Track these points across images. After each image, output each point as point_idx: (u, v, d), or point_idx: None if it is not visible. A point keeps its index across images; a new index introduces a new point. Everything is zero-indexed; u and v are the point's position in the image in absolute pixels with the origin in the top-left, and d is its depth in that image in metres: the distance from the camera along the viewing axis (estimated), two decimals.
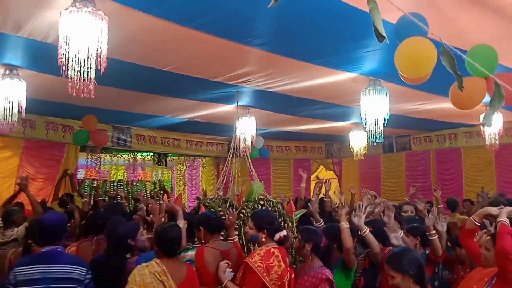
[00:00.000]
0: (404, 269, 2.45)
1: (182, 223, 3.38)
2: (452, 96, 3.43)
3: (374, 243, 3.47)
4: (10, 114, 4.45)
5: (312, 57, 4.29)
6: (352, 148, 7.75)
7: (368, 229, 3.50)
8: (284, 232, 3.25)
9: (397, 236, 3.49)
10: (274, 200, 4.83)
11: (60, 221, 3.03)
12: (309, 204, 5.05)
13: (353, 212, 3.70)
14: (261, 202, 4.65)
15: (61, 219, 3.10)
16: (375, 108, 4.64)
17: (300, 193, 5.76)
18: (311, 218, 4.79)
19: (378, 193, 7.40)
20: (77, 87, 2.79)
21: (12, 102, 4.44)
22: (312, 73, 4.73)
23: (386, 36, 1.46)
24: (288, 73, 4.79)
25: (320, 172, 10.97)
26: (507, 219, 2.75)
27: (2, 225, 4.43)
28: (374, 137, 4.77)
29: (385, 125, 4.70)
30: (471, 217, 3.07)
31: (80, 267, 2.90)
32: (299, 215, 5.00)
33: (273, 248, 3.08)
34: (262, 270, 2.92)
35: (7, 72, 4.43)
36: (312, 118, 7.32)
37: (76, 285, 2.83)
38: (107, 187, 9.07)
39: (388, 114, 4.67)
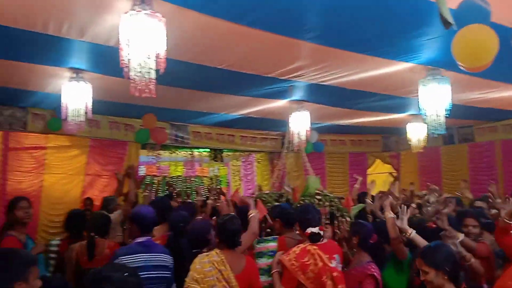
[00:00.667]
0: (439, 265, 2.31)
1: (254, 213, 3.54)
2: None
3: (422, 244, 3.26)
4: (78, 115, 4.76)
5: (367, 48, 4.19)
6: (410, 141, 7.49)
7: (414, 231, 3.31)
8: (315, 229, 3.12)
9: (455, 243, 3.31)
10: (331, 195, 4.79)
11: (154, 214, 3.36)
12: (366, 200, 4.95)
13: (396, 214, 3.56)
14: (318, 197, 4.64)
15: (153, 212, 3.41)
16: (435, 98, 4.45)
17: (353, 193, 5.65)
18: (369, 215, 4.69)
19: (439, 188, 7.13)
20: (139, 87, 2.93)
21: (80, 105, 4.74)
22: (367, 65, 4.62)
23: (453, 22, 1.40)
24: (342, 66, 4.71)
25: (377, 166, 10.70)
26: None
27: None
28: (435, 128, 4.58)
29: (446, 116, 4.51)
30: (501, 216, 2.89)
31: (169, 256, 3.21)
32: (357, 210, 4.94)
33: (310, 245, 3.02)
34: (297, 269, 2.89)
35: (74, 75, 4.71)
36: (368, 111, 7.15)
37: (169, 272, 3.11)
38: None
39: (450, 104, 4.47)
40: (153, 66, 2.88)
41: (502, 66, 3.37)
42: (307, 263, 2.91)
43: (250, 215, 3.54)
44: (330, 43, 4.05)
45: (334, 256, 3.08)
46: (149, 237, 3.20)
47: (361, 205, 4.88)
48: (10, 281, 1.84)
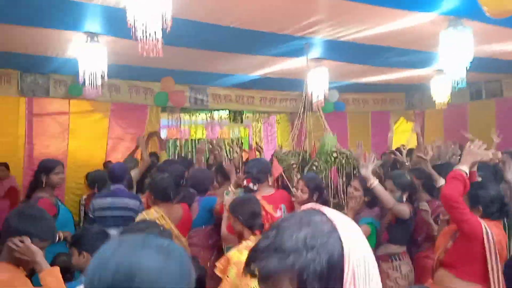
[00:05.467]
0: (234, 213, 2.72)
1: (232, 186, 3.78)
2: None
3: (384, 197, 3.31)
4: (95, 79, 4.81)
5: (385, 0, 4.02)
6: (434, 97, 7.27)
7: (377, 181, 3.36)
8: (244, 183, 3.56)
9: None
10: (348, 153, 4.77)
11: (124, 168, 4.37)
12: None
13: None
14: (334, 155, 4.63)
15: (123, 167, 4.42)
16: (456, 50, 4.26)
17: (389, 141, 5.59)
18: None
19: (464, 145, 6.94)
20: (147, 47, 2.93)
21: (96, 68, 4.77)
22: (385, 18, 4.44)
23: None
24: (360, 20, 4.54)
25: (400, 125, 10.50)
26: (466, 167, 2.60)
27: None
28: (456, 82, 4.43)
29: (467, 68, 4.33)
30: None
31: (135, 201, 4.03)
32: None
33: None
34: None
35: (88, 39, 4.73)
36: (389, 67, 6.94)
37: (133, 213, 3.81)
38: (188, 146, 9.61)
39: (472, 56, 4.28)
40: (159, 25, 2.86)
41: None
42: None
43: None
44: None
45: (280, 206, 3.27)
46: (119, 186, 4.09)
47: (378, 162, 4.83)
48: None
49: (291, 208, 3.47)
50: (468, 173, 2.59)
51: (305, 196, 3.40)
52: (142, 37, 2.88)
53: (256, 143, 8.09)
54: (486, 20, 3.42)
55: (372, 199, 3.50)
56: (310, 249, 0.76)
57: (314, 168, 4.47)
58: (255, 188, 3.38)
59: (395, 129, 10.23)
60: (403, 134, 10.26)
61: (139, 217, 3.27)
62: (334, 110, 8.32)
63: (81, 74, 4.82)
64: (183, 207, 3.50)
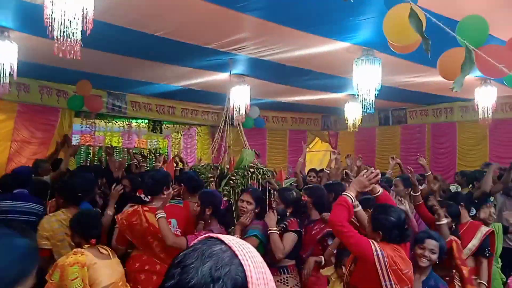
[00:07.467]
0: (74, 229, 2.82)
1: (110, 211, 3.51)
2: (440, 66, 3.43)
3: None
4: (2, 76, 4.44)
5: (306, 25, 4.24)
6: (347, 120, 7.76)
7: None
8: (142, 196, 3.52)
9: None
10: (265, 168, 4.89)
11: (27, 172, 4.36)
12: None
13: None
14: (251, 170, 4.72)
15: (28, 171, 4.44)
16: (366, 78, 4.62)
17: (297, 167, 5.71)
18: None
19: (372, 166, 7.47)
20: (63, 48, 2.78)
21: (4, 64, 4.42)
22: (306, 42, 4.69)
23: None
24: (282, 41, 4.74)
25: (315, 144, 11.01)
26: (352, 193, 2.65)
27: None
28: (366, 107, 4.77)
29: (376, 96, 4.70)
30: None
31: (38, 205, 3.95)
32: (289, 183, 5.09)
33: (142, 207, 3.18)
34: (125, 227, 3.14)
35: None
36: (308, 89, 7.29)
37: (35, 217, 3.74)
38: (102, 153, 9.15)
39: (380, 84, 4.65)
40: (79, 26, 2.74)
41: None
42: (135, 222, 3.10)
43: None
44: (271, 18, 4.06)
45: (169, 220, 3.15)
46: (23, 190, 4.00)
47: (292, 178, 5.02)
48: None
49: (183, 223, 3.37)
50: (354, 199, 2.66)
51: (251, 207, 3.41)
52: (59, 37, 2.73)
53: (179, 156, 7.92)
54: (395, 53, 3.75)
55: (261, 211, 3.52)
56: (217, 281, 0.78)
57: (231, 182, 4.52)
58: (146, 199, 3.31)
59: (310, 148, 10.70)
60: (317, 154, 10.80)
61: (45, 219, 3.20)
62: (254, 126, 8.49)
63: None
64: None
